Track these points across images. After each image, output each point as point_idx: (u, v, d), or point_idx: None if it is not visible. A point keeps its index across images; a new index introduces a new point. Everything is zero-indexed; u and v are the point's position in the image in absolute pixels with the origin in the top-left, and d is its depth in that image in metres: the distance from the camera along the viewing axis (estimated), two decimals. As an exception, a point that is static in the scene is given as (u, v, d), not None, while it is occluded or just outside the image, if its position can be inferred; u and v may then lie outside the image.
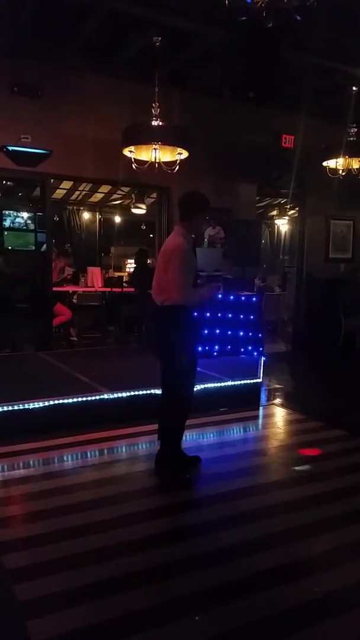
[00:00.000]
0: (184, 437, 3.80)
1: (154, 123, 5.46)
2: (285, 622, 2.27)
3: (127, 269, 11.72)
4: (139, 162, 5.65)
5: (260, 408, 5.34)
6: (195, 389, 3.93)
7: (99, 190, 11.50)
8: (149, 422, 4.43)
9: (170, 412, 3.64)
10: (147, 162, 5.62)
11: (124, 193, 11.52)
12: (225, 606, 2.34)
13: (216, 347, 6.27)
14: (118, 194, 11.82)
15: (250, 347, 6.43)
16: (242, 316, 6.39)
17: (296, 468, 3.86)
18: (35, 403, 4.34)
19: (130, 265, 11.34)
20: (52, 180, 7.11)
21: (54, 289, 7.45)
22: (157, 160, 5.58)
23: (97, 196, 12.03)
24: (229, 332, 6.33)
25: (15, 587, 2.41)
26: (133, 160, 5.64)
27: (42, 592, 2.40)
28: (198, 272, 3.94)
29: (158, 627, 2.21)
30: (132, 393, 4.71)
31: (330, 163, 6.66)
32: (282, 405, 5.53)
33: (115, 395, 4.65)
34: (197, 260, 3.68)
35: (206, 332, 6.20)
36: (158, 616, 2.27)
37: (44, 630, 2.16)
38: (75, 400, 4.49)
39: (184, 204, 3.59)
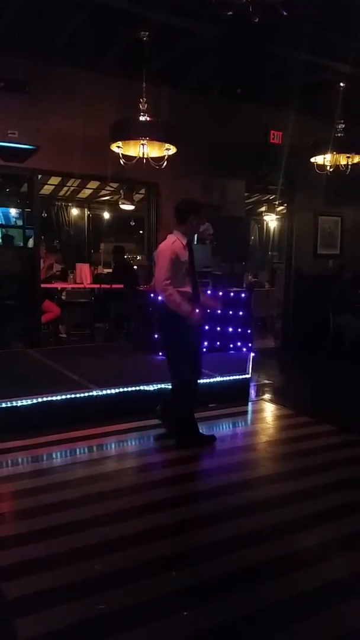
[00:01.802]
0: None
1: (142, 118, 5.43)
2: (276, 616, 2.29)
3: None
4: (126, 157, 5.63)
5: (249, 403, 5.36)
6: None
7: (88, 186, 11.44)
8: (139, 418, 4.44)
9: (178, 396, 4.06)
10: (135, 157, 5.60)
11: (112, 189, 11.47)
12: (216, 601, 2.35)
13: (205, 342, 6.31)
14: (107, 190, 11.77)
15: (239, 343, 6.48)
16: (231, 312, 6.44)
17: (285, 463, 3.88)
18: (24, 400, 4.33)
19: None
20: (39, 176, 7.06)
21: (43, 285, 7.40)
22: (145, 156, 5.56)
23: (86, 192, 11.97)
24: (218, 328, 6.37)
25: (3, 585, 2.41)
26: (121, 155, 5.61)
27: (31, 590, 2.39)
28: (198, 270, 4.38)
29: (150, 622, 2.21)
30: (121, 390, 4.70)
31: (318, 159, 6.67)
32: (271, 400, 5.55)
33: (105, 392, 4.64)
34: (194, 259, 3.98)
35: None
36: (150, 611, 2.28)
37: (32, 627, 2.16)
38: (64, 397, 4.48)
39: (178, 211, 3.96)
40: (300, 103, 6.96)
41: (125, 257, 8.83)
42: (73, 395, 4.53)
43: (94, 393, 4.61)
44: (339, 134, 6.53)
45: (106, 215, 13.19)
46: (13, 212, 10.26)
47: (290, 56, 5.90)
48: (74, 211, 12.87)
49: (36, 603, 2.30)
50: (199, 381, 4.21)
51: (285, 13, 3.77)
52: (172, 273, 3.76)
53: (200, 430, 4.18)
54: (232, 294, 6.52)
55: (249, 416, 5.14)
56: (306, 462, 3.89)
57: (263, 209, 13.96)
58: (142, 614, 2.26)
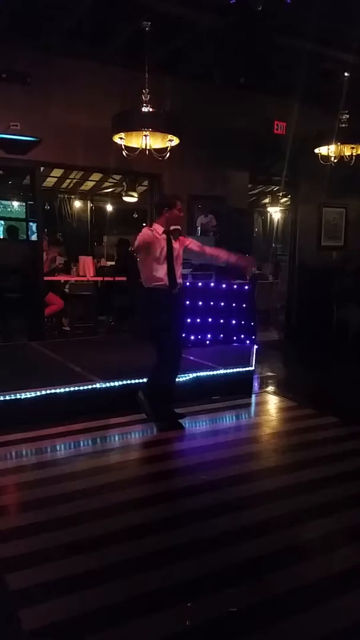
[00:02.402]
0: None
1: (144, 109, 5.39)
2: (278, 608, 2.29)
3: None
4: (129, 149, 5.59)
5: (253, 396, 5.36)
6: (180, 374, 4.52)
7: (90, 179, 11.38)
8: (140, 410, 4.44)
9: (163, 370, 4.30)
10: (137, 149, 5.56)
11: (115, 181, 11.42)
12: (219, 592, 2.35)
13: (209, 335, 6.30)
14: (109, 182, 11.71)
15: (243, 335, 6.46)
16: (234, 304, 6.41)
17: (288, 455, 3.88)
18: (27, 393, 4.33)
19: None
20: (42, 169, 7.03)
21: (46, 278, 7.39)
22: (148, 147, 5.52)
23: (88, 184, 11.91)
24: (222, 320, 6.35)
25: (7, 577, 2.42)
26: (123, 147, 5.58)
27: (35, 582, 2.40)
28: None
29: (152, 614, 2.22)
30: (125, 382, 4.70)
31: (322, 150, 6.61)
32: (274, 393, 5.55)
33: (108, 385, 4.64)
34: (174, 248, 4.25)
35: (198, 320, 6.23)
36: (151, 603, 2.28)
37: (36, 618, 2.17)
38: (67, 389, 4.48)
39: (155, 205, 4.59)
40: (304, 93, 6.89)
41: (130, 249, 8.81)
42: (76, 388, 4.53)
43: (97, 385, 4.61)
44: (343, 125, 6.47)
45: (109, 207, 13.14)
46: (15, 204, 10.23)
47: (294, 45, 5.83)
48: (77, 204, 12.83)
49: (40, 595, 2.31)
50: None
51: (288, 1, 3.72)
52: (142, 255, 4.19)
53: (200, 425, 4.30)
54: (235, 286, 6.49)
55: (253, 408, 5.13)
56: (310, 454, 3.88)
57: (267, 200, 13.87)
58: (144, 606, 2.27)
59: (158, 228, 4.24)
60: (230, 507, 3.11)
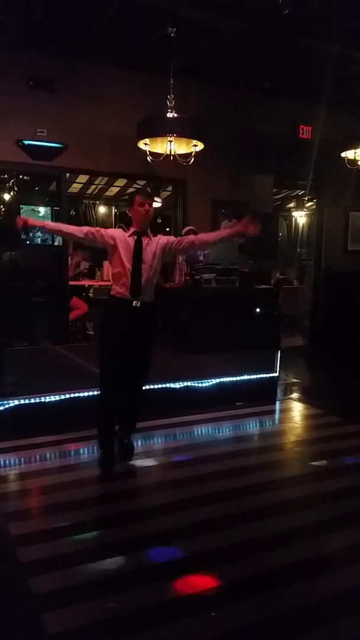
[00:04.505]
0: (201, 430, 3.98)
1: (169, 115, 5.41)
2: (302, 619, 2.24)
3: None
4: (154, 154, 5.61)
5: (277, 402, 5.30)
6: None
7: (115, 184, 11.48)
8: (163, 416, 4.43)
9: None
10: (162, 154, 5.58)
11: (139, 186, 11.48)
12: (243, 601, 2.32)
13: (232, 340, 6.25)
14: (134, 188, 11.76)
15: (267, 341, 6.39)
16: (259, 310, 6.36)
17: (313, 463, 3.82)
18: (52, 396, 4.36)
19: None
20: (67, 175, 7.10)
21: (70, 283, 7.46)
22: (172, 153, 5.53)
23: (113, 190, 12.01)
24: (246, 326, 6.30)
25: (31, 580, 2.42)
26: (148, 153, 5.60)
27: (59, 586, 2.40)
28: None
29: (175, 622, 2.20)
30: (147, 387, 4.69)
31: (349, 154, 6.54)
32: (299, 399, 5.47)
33: (131, 389, 4.63)
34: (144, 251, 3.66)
35: (222, 325, 6.19)
36: (175, 611, 2.26)
37: (61, 623, 2.17)
38: (91, 394, 4.50)
39: None
40: (330, 97, 6.81)
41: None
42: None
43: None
44: (370, 128, 6.38)
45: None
46: (42, 210, 10.38)
47: (320, 49, 5.78)
48: (102, 209, 12.95)
49: (64, 599, 2.31)
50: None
51: (316, 3, 3.68)
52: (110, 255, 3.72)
53: (223, 431, 4.26)
54: (259, 291, 6.44)
55: (277, 415, 5.07)
56: (335, 463, 3.81)
57: (292, 205, 13.76)
58: (167, 613, 2.25)
59: (128, 229, 3.73)
60: (253, 515, 3.06)
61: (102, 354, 3.73)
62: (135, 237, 3.65)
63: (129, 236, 3.65)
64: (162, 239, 3.75)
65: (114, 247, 3.64)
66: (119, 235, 3.66)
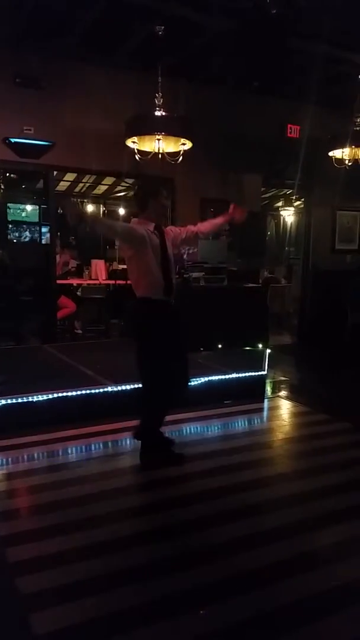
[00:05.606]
0: (189, 428, 4.03)
1: (157, 113, 5.40)
2: (290, 616, 2.25)
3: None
4: (142, 153, 5.60)
5: (265, 400, 5.32)
6: (189, 382, 4.01)
7: (103, 182, 11.43)
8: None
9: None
10: (150, 153, 5.57)
11: (128, 185, 11.44)
12: (231, 599, 2.32)
13: (220, 338, 6.27)
14: (122, 186, 11.74)
15: (255, 339, 6.42)
16: (247, 308, 6.38)
17: (301, 461, 3.84)
18: (40, 395, 4.34)
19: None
20: (55, 172, 7.06)
21: (58, 281, 7.42)
22: (161, 151, 5.53)
23: (101, 188, 11.96)
24: (234, 324, 6.32)
25: (17, 581, 2.41)
26: (136, 151, 5.59)
27: (45, 586, 2.39)
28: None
29: (162, 621, 2.20)
30: (137, 386, 4.67)
31: (337, 153, 6.56)
32: (287, 397, 5.50)
33: (120, 388, 4.63)
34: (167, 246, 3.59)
35: (211, 323, 6.20)
36: (162, 610, 2.26)
37: (47, 623, 2.16)
38: (79, 393, 4.48)
39: (136, 199, 3.72)
40: (318, 96, 6.85)
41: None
42: (88, 391, 4.53)
43: (109, 389, 4.61)
44: (357, 128, 6.40)
45: (122, 211, 13.17)
46: (29, 208, 10.31)
47: (308, 48, 5.80)
48: (90, 207, 12.89)
49: (50, 599, 2.30)
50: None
51: (304, 3, 3.69)
52: (131, 253, 3.48)
53: (212, 429, 4.24)
54: (247, 289, 6.46)
55: (265, 413, 5.09)
56: (323, 460, 3.84)
57: (280, 203, 13.81)
58: (155, 612, 2.24)
59: (147, 225, 3.49)
60: (242, 513, 3.07)
61: (150, 361, 3.58)
62: (157, 233, 3.47)
63: (152, 232, 3.46)
64: (167, 232, 3.63)
65: (145, 245, 3.40)
66: (144, 232, 3.42)
